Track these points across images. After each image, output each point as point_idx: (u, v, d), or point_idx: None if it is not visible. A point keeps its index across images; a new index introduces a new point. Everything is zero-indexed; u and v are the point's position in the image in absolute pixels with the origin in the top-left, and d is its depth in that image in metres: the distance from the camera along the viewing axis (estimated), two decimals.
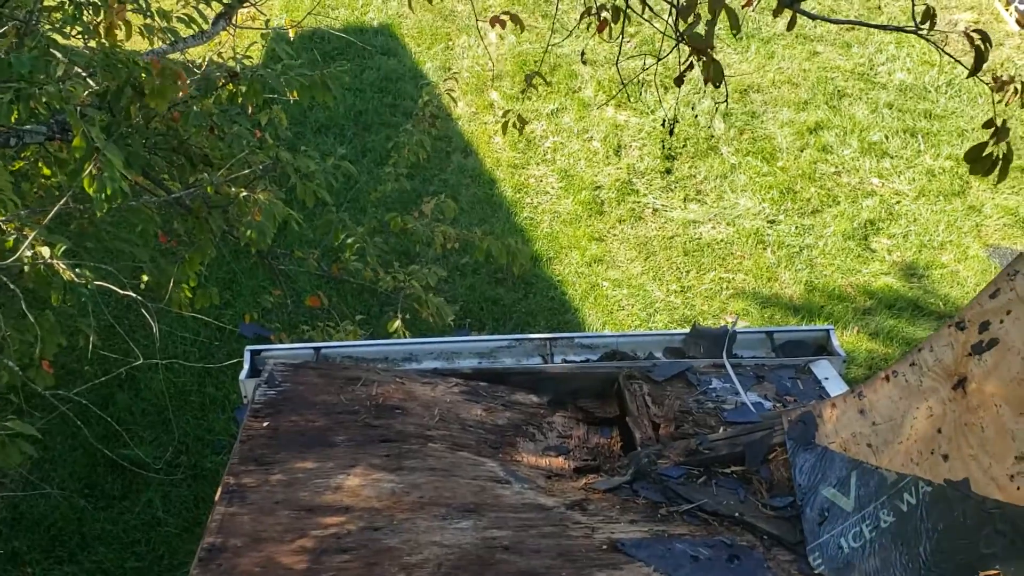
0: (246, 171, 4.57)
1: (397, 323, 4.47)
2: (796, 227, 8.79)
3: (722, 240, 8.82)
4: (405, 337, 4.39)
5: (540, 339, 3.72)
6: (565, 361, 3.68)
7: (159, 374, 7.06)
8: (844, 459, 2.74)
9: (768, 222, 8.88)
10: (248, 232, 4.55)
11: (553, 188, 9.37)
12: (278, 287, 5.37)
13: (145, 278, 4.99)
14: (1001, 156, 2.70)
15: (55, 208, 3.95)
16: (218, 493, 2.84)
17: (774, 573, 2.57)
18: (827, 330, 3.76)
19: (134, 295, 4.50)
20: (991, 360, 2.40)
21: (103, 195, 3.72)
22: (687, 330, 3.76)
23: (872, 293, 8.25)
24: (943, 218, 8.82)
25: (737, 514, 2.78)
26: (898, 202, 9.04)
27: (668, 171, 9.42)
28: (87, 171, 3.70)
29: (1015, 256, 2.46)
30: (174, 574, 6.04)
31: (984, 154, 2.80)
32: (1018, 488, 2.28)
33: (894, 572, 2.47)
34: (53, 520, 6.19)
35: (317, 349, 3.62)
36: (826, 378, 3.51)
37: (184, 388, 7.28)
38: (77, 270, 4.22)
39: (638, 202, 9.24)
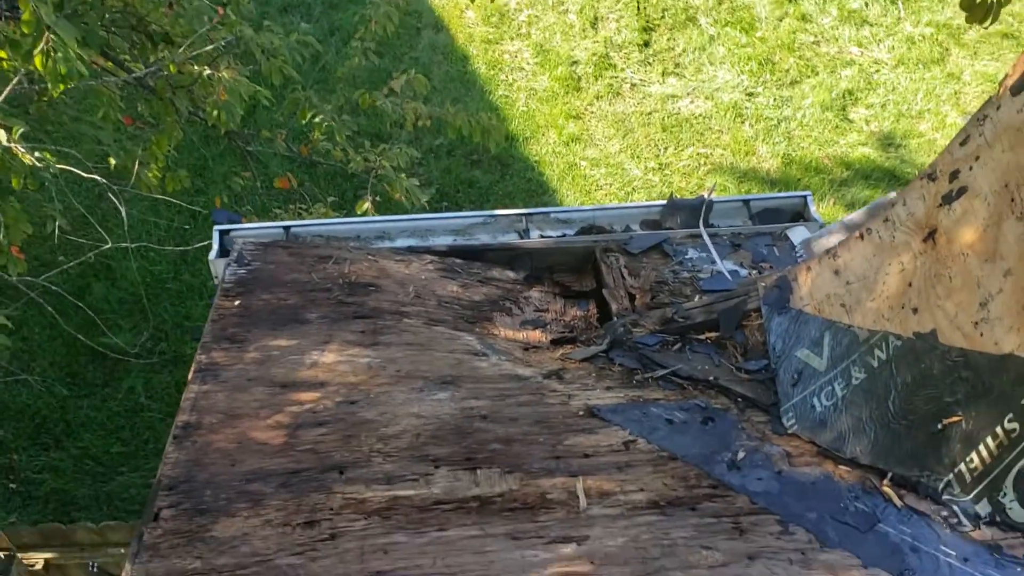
0: (208, 48, 4.38)
1: (367, 204, 4.38)
2: (774, 99, 8.66)
3: (700, 115, 8.69)
4: None
5: (516, 215, 3.66)
6: (541, 236, 3.63)
7: (134, 262, 7.00)
8: (818, 320, 2.72)
9: (747, 95, 8.74)
10: (215, 112, 4.40)
11: (528, 64, 9.14)
12: (247, 169, 5.24)
13: (112, 161, 4.85)
14: (996, 1, 2.60)
15: (7, 89, 3.78)
16: (191, 372, 2.82)
17: (748, 433, 2.59)
18: (804, 196, 3.72)
19: (100, 179, 4.38)
20: (960, 209, 2.37)
21: (57, 75, 3.56)
22: (664, 202, 3.70)
23: (849, 164, 8.20)
24: (922, 86, 8.70)
25: (712, 378, 2.79)
26: (877, 71, 8.89)
27: (646, 44, 9.19)
28: (39, 48, 3.54)
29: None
30: (159, 458, 6.11)
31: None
32: (981, 335, 2.29)
33: (864, 427, 2.49)
34: (36, 409, 6.22)
35: (287, 228, 3.54)
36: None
37: (160, 276, 7.22)
38: (38, 154, 4.08)
39: (616, 77, 9.04)
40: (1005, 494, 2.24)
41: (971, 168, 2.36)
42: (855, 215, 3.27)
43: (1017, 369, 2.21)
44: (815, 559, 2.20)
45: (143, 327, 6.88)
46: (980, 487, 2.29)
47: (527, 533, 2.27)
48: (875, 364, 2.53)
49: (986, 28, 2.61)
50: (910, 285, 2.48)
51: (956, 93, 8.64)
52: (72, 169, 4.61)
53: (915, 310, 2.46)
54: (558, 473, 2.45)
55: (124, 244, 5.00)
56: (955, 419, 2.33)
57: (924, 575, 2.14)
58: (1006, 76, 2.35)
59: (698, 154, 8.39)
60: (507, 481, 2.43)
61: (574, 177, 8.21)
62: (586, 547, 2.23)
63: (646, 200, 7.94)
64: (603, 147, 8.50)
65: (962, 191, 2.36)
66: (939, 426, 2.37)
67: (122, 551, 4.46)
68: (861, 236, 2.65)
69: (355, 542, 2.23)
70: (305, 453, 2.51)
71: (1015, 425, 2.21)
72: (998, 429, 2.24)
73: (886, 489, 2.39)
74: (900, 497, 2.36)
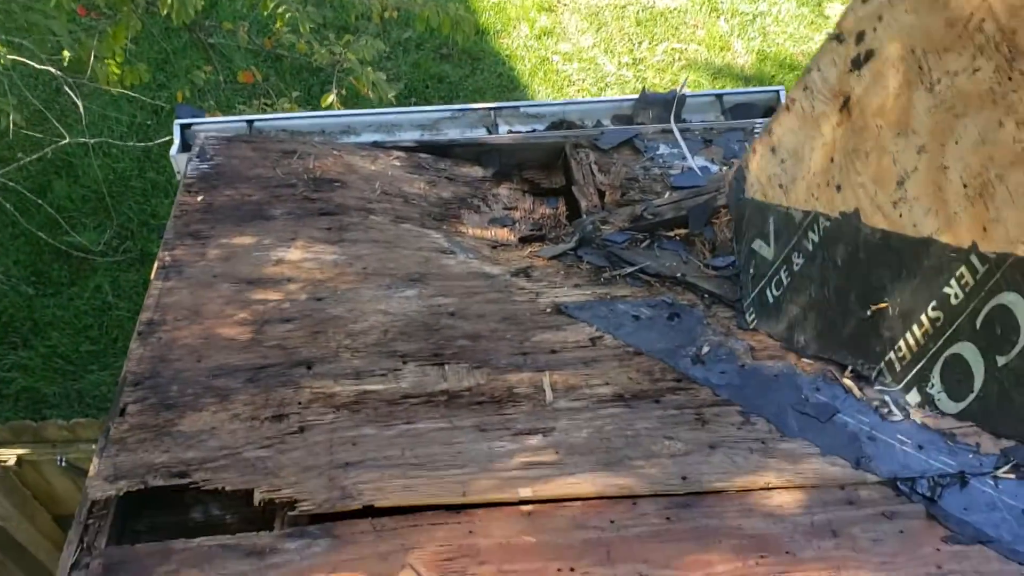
0: None
1: (332, 97, 4.27)
2: None
3: (675, 8, 8.51)
4: None
5: (484, 109, 3.59)
6: (511, 131, 3.57)
7: (95, 159, 6.86)
8: (764, 206, 2.67)
9: None
10: (169, 2, 4.23)
11: None
12: (210, 63, 5.08)
13: (66, 54, 4.68)
14: None
15: None
16: (154, 269, 2.78)
17: (712, 328, 2.61)
18: (777, 91, 3.67)
19: (55, 71, 4.23)
20: (869, 75, 2.26)
21: None
22: (635, 96, 3.64)
23: None
24: None
25: (679, 275, 2.80)
26: None
27: None
28: None
29: None
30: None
31: None
32: (900, 216, 2.23)
33: (807, 316, 2.49)
34: (2, 308, 6.16)
35: (250, 123, 3.45)
36: None
37: (124, 173, 7.07)
38: None
39: None
40: (933, 384, 2.24)
41: (875, 30, 2.24)
42: None
43: (937, 254, 2.17)
44: (775, 448, 2.25)
45: (107, 225, 6.79)
46: (908, 377, 2.29)
47: (494, 425, 2.30)
48: (810, 248, 2.48)
49: None
50: (832, 160, 2.40)
51: None
52: (25, 61, 4.45)
53: (839, 187, 2.39)
54: (525, 368, 2.47)
55: (84, 140, 4.87)
56: (882, 306, 2.31)
57: (879, 460, 2.19)
58: None
59: (672, 49, 8.24)
60: (475, 376, 2.45)
61: (546, 72, 8.06)
62: (552, 438, 2.26)
63: (619, 95, 7.84)
64: (576, 41, 8.33)
65: (869, 55, 2.25)
66: (868, 312, 2.34)
67: (93, 447, 4.49)
68: (788, 107, 2.55)
69: (324, 435, 2.25)
70: (272, 349, 2.50)
71: (939, 314, 2.19)
72: (923, 317, 2.22)
73: (846, 381, 2.44)
74: (860, 388, 2.41)
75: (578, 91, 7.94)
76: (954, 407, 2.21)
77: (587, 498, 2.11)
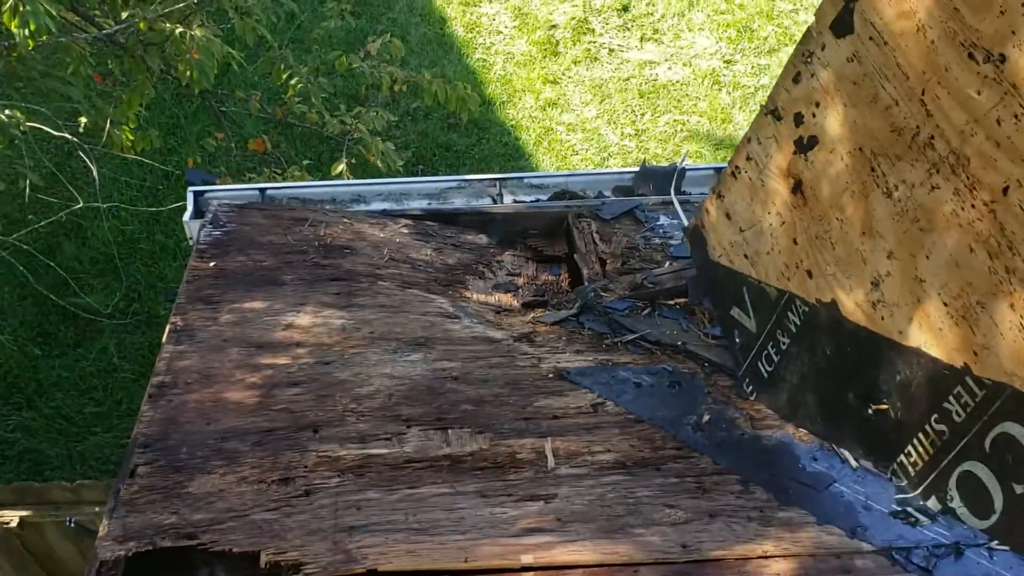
0: (180, 4, 4.35)
1: (342, 166, 4.39)
2: (752, 67, 8.69)
3: (678, 81, 8.71)
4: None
5: (490, 179, 3.69)
6: (515, 201, 3.66)
7: (105, 222, 6.98)
8: (733, 273, 2.62)
9: (724, 62, 8.77)
10: (188, 72, 4.38)
11: (506, 27, 9.11)
12: (221, 130, 5.22)
13: (83, 120, 4.82)
14: None
15: None
16: (165, 333, 2.84)
17: (713, 397, 2.66)
18: None
19: (70, 136, 4.36)
20: (818, 162, 2.18)
21: (26, 30, 3.54)
22: (636, 169, 3.74)
23: None
24: None
25: (679, 343, 2.86)
26: None
27: (625, 8, 9.18)
28: (8, 4, 3.51)
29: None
30: (133, 418, 6.13)
31: None
32: (883, 319, 2.14)
33: (805, 398, 2.47)
34: (8, 368, 6.21)
35: (262, 190, 3.55)
36: None
37: (132, 236, 7.19)
38: (8, 111, 4.06)
39: (594, 42, 9.04)
40: (951, 497, 2.16)
41: (814, 115, 2.18)
42: None
43: (930, 367, 2.06)
44: (773, 516, 2.28)
45: (115, 287, 6.88)
46: (925, 484, 2.22)
47: (496, 491, 2.34)
48: (793, 330, 2.44)
49: None
50: (795, 242, 2.34)
51: None
52: (41, 127, 4.57)
53: (809, 273, 2.33)
54: (527, 434, 2.51)
55: (96, 204, 4.98)
56: (883, 407, 2.25)
57: (875, 530, 2.22)
58: (822, 5, 2.15)
59: (675, 121, 8.42)
60: (477, 441, 2.50)
61: (550, 142, 8.23)
62: (554, 505, 2.30)
63: (622, 166, 8.00)
64: (580, 112, 8.52)
65: (814, 141, 2.19)
66: (869, 411, 2.28)
67: (96, 509, 4.50)
68: (734, 175, 2.54)
69: (329, 498, 2.29)
70: (280, 412, 2.55)
71: (944, 428, 2.10)
72: (927, 427, 2.13)
73: (842, 451, 2.48)
74: (855, 459, 2.45)
75: (581, 160, 8.10)
76: (979, 523, 2.12)
77: (588, 565, 2.14)
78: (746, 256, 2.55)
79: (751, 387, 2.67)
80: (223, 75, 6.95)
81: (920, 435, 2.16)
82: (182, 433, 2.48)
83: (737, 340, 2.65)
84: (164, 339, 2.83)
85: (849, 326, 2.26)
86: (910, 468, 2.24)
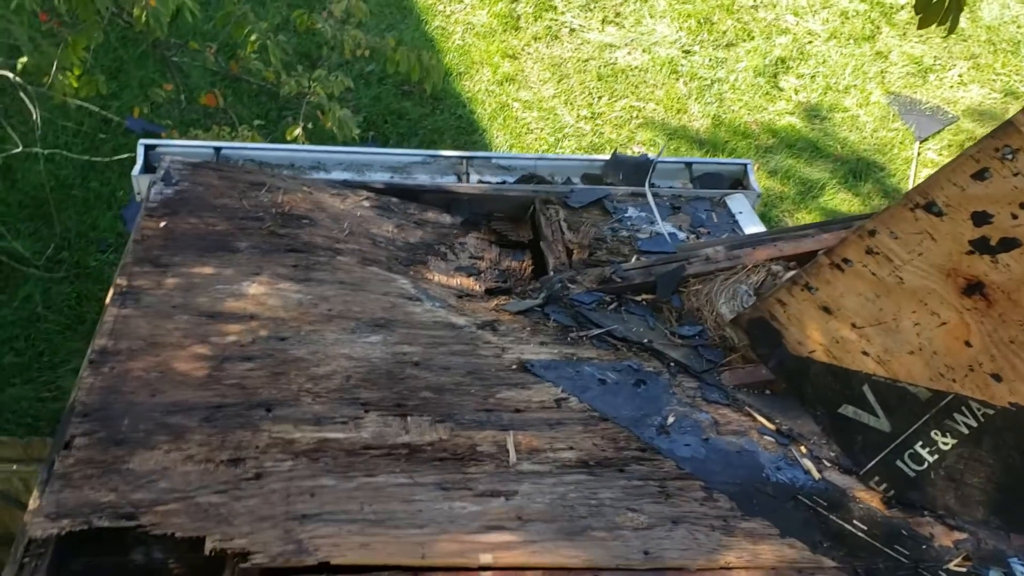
0: None
1: (298, 131, 4.22)
2: (710, 59, 8.69)
3: (637, 67, 8.67)
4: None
5: (457, 157, 3.58)
6: (481, 181, 3.56)
7: (39, 164, 6.67)
8: (840, 371, 2.43)
9: (683, 52, 8.75)
10: (142, 17, 4.15)
11: None
12: (170, 80, 4.98)
13: (24, 60, 4.54)
14: (952, 2, 2.54)
15: None
16: (109, 295, 2.68)
17: (678, 399, 2.62)
18: (745, 165, 3.74)
19: (11, 75, 4.10)
20: (1017, 266, 2.03)
21: None
22: (606, 157, 3.67)
23: (775, 131, 8.33)
24: (851, 61, 8.85)
25: (646, 340, 2.80)
26: (810, 42, 9.01)
27: None
28: None
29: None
30: (55, 371, 5.88)
31: (935, 0, 2.64)
32: None
33: (984, 491, 2.32)
34: None
35: (217, 149, 3.38)
36: (740, 212, 3.52)
37: (66, 181, 6.86)
38: None
39: (556, 20, 8.92)
40: None
41: (1015, 216, 2.02)
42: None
43: None
44: (736, 527, 2.25)
45: (45, 234, 6.58)
46: None
47: (456, 484, 2.26)
48: (964, 431, 2.29)
49: (944, 37, 2.38)
50: (969, 345, 2.20)
51: (882, 72, 8.82)
52: None
53: (996, 377, 2.20)
54: (489, 426, 2.43)
55: (34, 150, 4.71)
56: None
57: (836, 546, 2.21)
58: None
59: (631, 107, 8.38)
60: (438, 430, 2.41)
61: (505, 118, 8.11)
62: (514, 502, 2.23)
63: (576, 148, 7.93)
64: (537, 90, 8.42)
65: (1011, 243, 2.05)
66: None
67: (14, 468, 4.30)
68: (836, 266, 2.36)
69: (281, 483, 2.18)
70: (231, 388, 2.42)
71: None
72: None
73: (806, 462, 2.46)
74: (819, 471, 2.43)
75: (536, 139, 8.01)
76: None
77: (549, 568, 2.08)
78: (866, 353, 2.38)
79: (885, 485, 2.44)
80: (173, 21, 6.65)
81: None
82: (124, 403, 2.33)
83: (859, 440, 2.46)
84: (108, 300, 2.67)
85: None
86: None
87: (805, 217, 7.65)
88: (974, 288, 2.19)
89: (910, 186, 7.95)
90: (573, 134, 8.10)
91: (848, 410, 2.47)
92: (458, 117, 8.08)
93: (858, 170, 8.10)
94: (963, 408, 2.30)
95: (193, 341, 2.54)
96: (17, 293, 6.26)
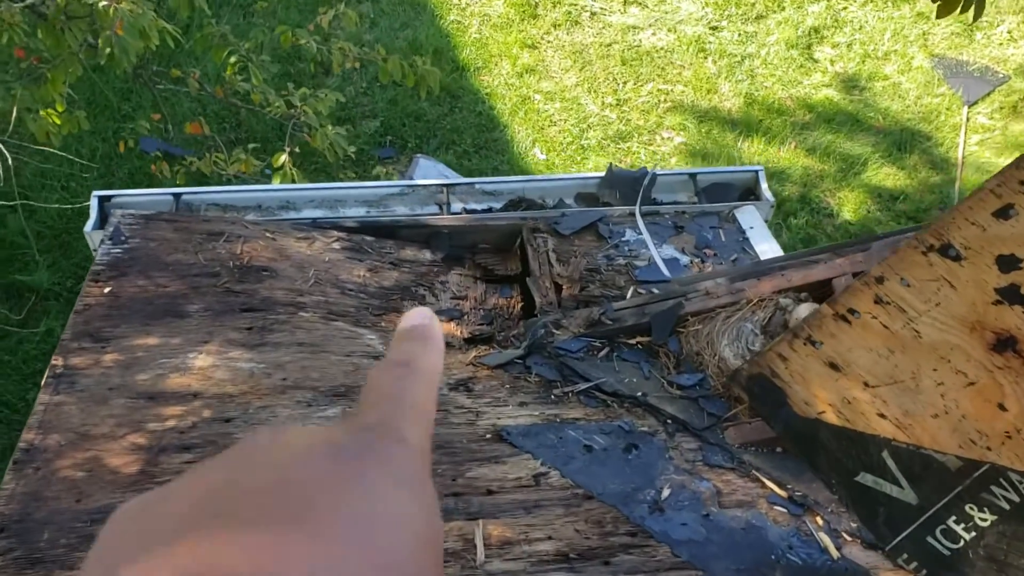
0: None
1: (284, 157, 3.94)
2: (739, 34, 8.22)
3: (662, 48, 8.25)
4: (293, 175, 3.87)
5: (437, 185, 3.27)
6: (465, 210, 3.25)
7: (53, 193, 6.56)
8: (853, 435, 2.15)
9: (710, 28, 8.30)
10: (108, 49, 3.91)
11: None
12: (157, 110, 4.75)
13: None
14: None
15: None
16: (44, 377, 2.45)
17: (674, 464, 2.29)
18: (756, 171, 3.36)
19: None
20: None
21: None
22: (601, 174, 3.33)
23: (812, 106, 7.85)
24: (890, 26, 8.30)
25: (640, 394, 2.47)
26: (844, 8, 8.47)
27: None
28: None
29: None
30: None
31: None
32: None
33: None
34: None
35: (177, 196, 3.12)
36: (751, 227, 3.14)
37: (83, 210, 6.73)
38: None
39: (575, 4, 8.54)
40: None
41: None
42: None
43: None
44: None
45: (64, 264, 6.48)
46: None
47: None
48: (1005, 506, 1.97)
49: (970, 23, 2.02)
50: (1003, 408, 1.90)
51: (924, 34, 8.25)
52: None
53: None
54: (456, 515, 2.13)
55: (13, 203, 4.54)
56: None
57: None
58: None
59: (658, 90, 7.97)
60: None
61: (527, 111, 7.77)
62: None
63: (602, 138, 7.57)
64: (559, 80, 8.06)
65: None
66: None
67: None
68: (842, 317, 2.06)
69: None
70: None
71: None
72: None
73: (823, 536, 2.12)
74: (837, 547, 2.09)
75: (559, 131, 7.66)
76: None
77: None
78: (883, 416, 2.08)
79: (915, 564, 2.14)
80: (160, 51, 6.44)
81: None
82: (46, 512, 2.09)
83: (881, 511, 2.16)
84: (42, 384, 2.44)
85: None
86: None
87: (847, 196, 7.18)
88: (1005, 344, 1.84)
89: (959, 156, 7.42)
90: (598, 123, 7.72)
91: (867, 479, 2.13)
92: (478, 114, 7.77)
93: (902, 141, 7.58)
94: (1001, 480, 1.94)
95: (128, 430, 2.29)
96: (39, 327, 6.17)
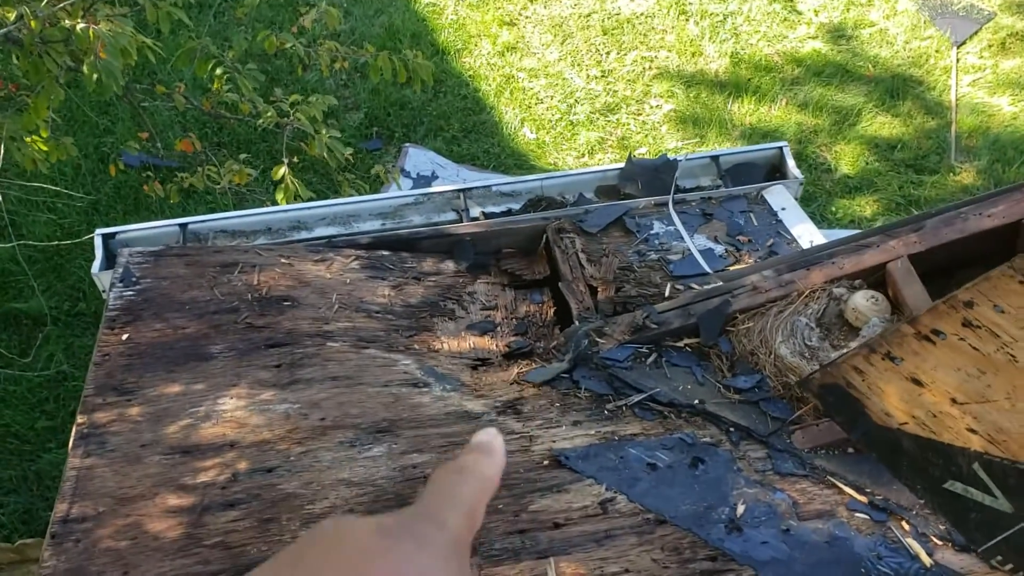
0: None
1: (283, 170, 3.78)
2: None
3: (642, 14, 8.08)
4: (296, 187, 3.71)
5: (452, 191, 3.12)
6: (484, 214, 3.11)
7: (42, 214, 6.39)
8: (940, 447, 2.05)
9: None
10: (93, 75, 3.73)
11: None
12: (144, 130, 4.57)
13: None
14: None
15: None
16: (71, 439, 2.31)
17: (745, 477, 2.18)
18: (780, 148, 3.23)
19: None
20: None
21: None
22: (620, 165, 3.19)
23: (800, 60, 7.72)
24: None
25: (696, 402, 2.36)
26: None
27: None
28: None
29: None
30: None
31: None
32: None
33: None
34: None
35: (183, 226, 2.97)
36: (783, 208, 3.02)
37: (72, 229, 6.56)
38: None
39: None
40: None
41: None
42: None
43: None
44: None
45: (59, 287, 6.33)
46: None
47: None
48: None
49: None
50: None
51: None
52: None
53: None
54: (525, 554, 2.02)
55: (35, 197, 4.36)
56: None
57: None
58: None
59: (642, 58, 7.82)
60: None
61: (512, 91, 7.61)
62: None
63: (590, 111, 7.41)
64: (541, 56, 7.88)
65: None
66: None
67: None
68: (926, 337, 1.96)
69: None
70: (214, 550, 2.04)
71: None
72: None
73: (911, 542, 2.02)
74: (929, 553, 2.00)
75: (547, 108, 7.50)
76: None
77: None
78: (973, 431, 2.00)
79: (1011, 565, 2.05)
80: (142, 67, 6.21)
81: None
82: None
83: (972, 516, 2.08)
84: (70, 447, 2.30)
85: None
86: None
87: (843, 149, 7.06)
88: None
89: (952, 97, 7.31)
90: (585, 97, 7.57)
91: (956, 487, 2.03)
92: (463, 98, 7.60)
93: (895, 88, 7.47)
94: None
95: (167, 491, 2.16)
96: (40, 354, 6.03)
